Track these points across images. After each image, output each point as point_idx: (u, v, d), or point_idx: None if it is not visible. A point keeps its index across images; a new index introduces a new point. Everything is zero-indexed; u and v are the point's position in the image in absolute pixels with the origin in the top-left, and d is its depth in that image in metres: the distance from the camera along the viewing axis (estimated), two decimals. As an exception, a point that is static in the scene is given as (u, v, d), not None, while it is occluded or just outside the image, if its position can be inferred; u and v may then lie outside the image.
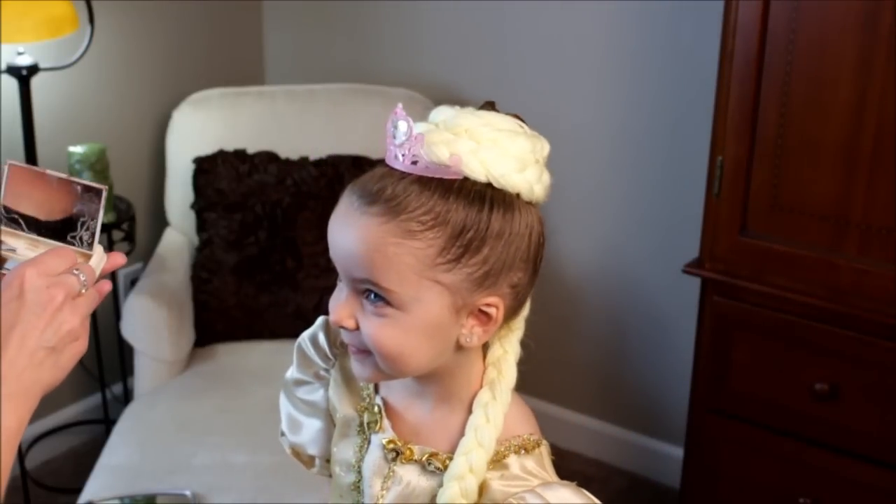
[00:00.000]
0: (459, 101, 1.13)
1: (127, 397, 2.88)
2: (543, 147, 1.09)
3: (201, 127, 2.82)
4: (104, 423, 2.95)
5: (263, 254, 2.70)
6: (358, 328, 1.06)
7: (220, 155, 2.74)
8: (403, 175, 1.04)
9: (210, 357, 2.68)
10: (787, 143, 2.06)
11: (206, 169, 2.73)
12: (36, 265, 1.00)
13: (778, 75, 2.03)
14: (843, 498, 2.16)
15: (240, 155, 2.75)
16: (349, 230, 1.04)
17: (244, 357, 2.68)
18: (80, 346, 1.01)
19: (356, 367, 1.11)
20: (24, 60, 2.54)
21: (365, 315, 1.05)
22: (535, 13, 2.77)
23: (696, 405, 2.31)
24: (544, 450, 1.12)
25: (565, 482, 1.08)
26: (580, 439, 3.01)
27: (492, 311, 1.06)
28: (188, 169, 2.77)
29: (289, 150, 2.77)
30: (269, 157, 2.74)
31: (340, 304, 1.07)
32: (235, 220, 2.71)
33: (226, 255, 2.70)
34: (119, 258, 1.09)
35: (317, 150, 2.72)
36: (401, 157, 1.04)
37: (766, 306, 2.14)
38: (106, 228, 2.61)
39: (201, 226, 2.74)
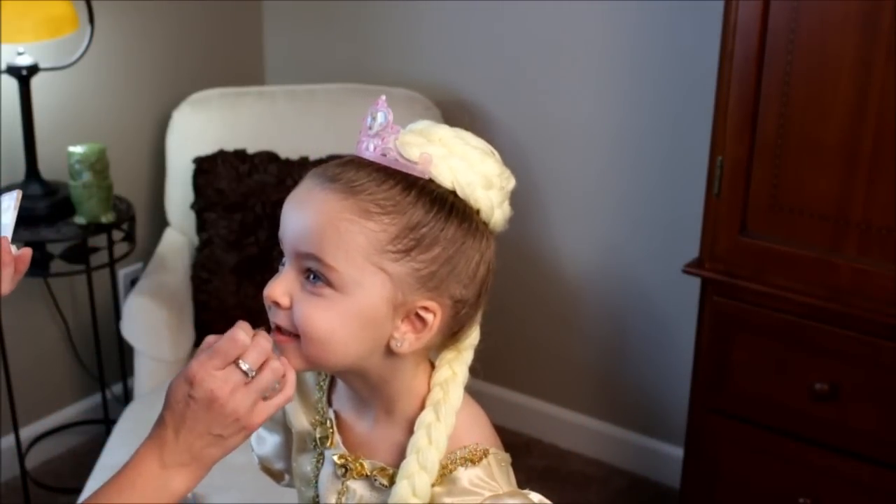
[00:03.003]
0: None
1: (127, 397, 2.88)
2: (510, 179, 1.09)
3: (201, 127, 2.82)
4: (104, 423, 2.95)
5: (263, 254, 2.70)
6: (291, 307, 1.04)
7: (220, 155, 2.74)
8: (370, 163, 1.04)
9: (210, 357, 2.68)
10: (787, 143, 2.05)
11: (206, 169, 2.73)
12: (202, 363, 1.06)
13: (778, 75, 2.02)
14: (843, 498, 2.16)
15: (240, 155, 2.75)
16: (306, 206, 1.04)
17: (244, 357, 2.67)
18: (247, 434, 1.05)
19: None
20: (24, 60, 2.54)
21: (301, 294, 1.04)
22: (535, 13, 2.77)
23: (696, 405, 2.31)
24: (492, 458, 1.09)
25: (516, 491, 1.07)
26: (580, 439, 3.01)
27: (428, 316, 1.04)
28: (188, 169, 2.77)
29: (289, 150, 2.77)
30: (269, 157, 2.74)
31: (278, 280, 1.05)
32: (235, 220, 2.71)
33: (226, 255, 2.70)
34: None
35: (317, 150, 2.72)
36: (372, 148, 1.04)
37: (766, 306, 2.14)
38: (106, 228, 2.61)
39: (201, 226, 2.74)
